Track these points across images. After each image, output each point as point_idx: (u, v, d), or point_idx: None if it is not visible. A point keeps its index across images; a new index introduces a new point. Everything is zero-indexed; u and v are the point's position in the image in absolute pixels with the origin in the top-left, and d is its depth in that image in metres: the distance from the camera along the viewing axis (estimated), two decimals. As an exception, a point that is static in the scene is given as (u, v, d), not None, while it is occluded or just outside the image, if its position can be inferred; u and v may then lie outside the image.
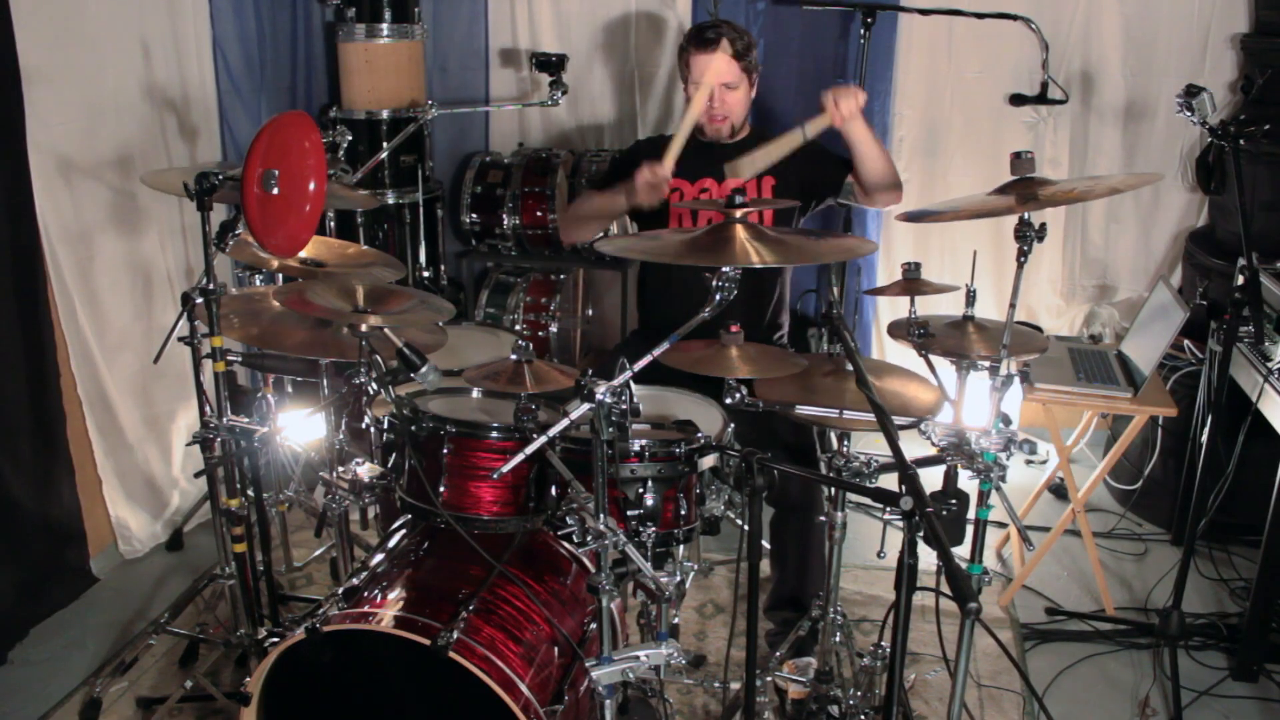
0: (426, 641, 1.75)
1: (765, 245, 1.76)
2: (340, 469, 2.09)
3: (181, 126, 3.17)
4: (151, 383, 3.12)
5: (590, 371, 1.69)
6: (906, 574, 1.45)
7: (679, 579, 1.91)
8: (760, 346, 2.12)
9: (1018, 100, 3.52)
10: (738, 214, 1.81)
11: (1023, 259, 1.88)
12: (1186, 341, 3.09)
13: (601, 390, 1.56)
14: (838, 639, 2.24)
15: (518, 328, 3.68)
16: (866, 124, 2.55)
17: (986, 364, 1.99)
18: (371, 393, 1.97)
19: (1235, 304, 2.40)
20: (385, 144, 3.49)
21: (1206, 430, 2.56)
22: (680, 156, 2.56)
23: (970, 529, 1.97)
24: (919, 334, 2.06)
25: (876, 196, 2.67)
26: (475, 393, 2.14)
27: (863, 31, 3.33)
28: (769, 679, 2.32)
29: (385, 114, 3.54)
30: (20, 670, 2.63)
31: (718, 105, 2.66)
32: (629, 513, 1.84)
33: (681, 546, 1.96)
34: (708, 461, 1.96)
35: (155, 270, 3.12)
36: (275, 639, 1.89)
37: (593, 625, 2.08)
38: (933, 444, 1.91)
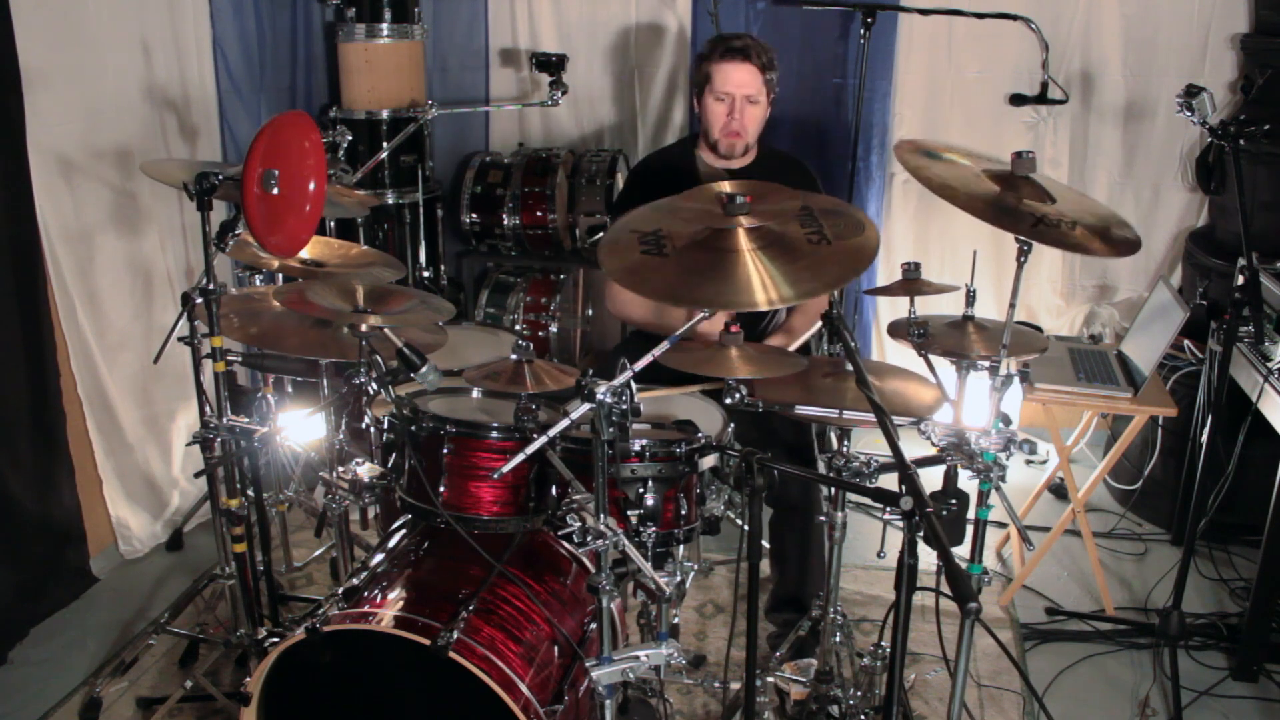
0: (426, 641, 1.75)
1: (773, 263, 1.61)
2: (340, 469, 2.09)
3: (181, 126, 3.17)
4: (151, 383, 3.11)
5: (590, 371, 1.69)
6: (906, 574, 1.45)
7: (679, 579, 1.91)
8: (760, 346, 2.12)
9: (1018, 100, 3.52)
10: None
11: (1023, 259, 1.89)
12: (1186, 341, 3.09)
13: (601, 390, 1.56)
14: (838, 639, 2.24)
15: (518, 328, 3.68)
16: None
17: (986, 364, 1.99)
18: (371, 393, 1.97)
19: (1235, 304, 2.40)
20: (385, 144, 3.49)
21: (1206, 430, 2.56)
22: (688, 183, 2.58)
23: (970, 529, 1.97)
24: (919, 334, 2.05)
25: None
26: (475, 393, 2.14)
27: (863, 31, 3.33)
28: (769, 679, 2.32)
29: (385, 114, 3.54)
30: (20, 670, 2.63)
31: (736, 118, 2.60)
32: (629, 513, 1.84)
33: (681, 546, 1.96)
34: (708, 461, 1.96)
35: (155, 270, 3.12)
36: (275, 639, 1.90)
37: (593, 625, 2.08)
38: (933, 444, 1.91)
